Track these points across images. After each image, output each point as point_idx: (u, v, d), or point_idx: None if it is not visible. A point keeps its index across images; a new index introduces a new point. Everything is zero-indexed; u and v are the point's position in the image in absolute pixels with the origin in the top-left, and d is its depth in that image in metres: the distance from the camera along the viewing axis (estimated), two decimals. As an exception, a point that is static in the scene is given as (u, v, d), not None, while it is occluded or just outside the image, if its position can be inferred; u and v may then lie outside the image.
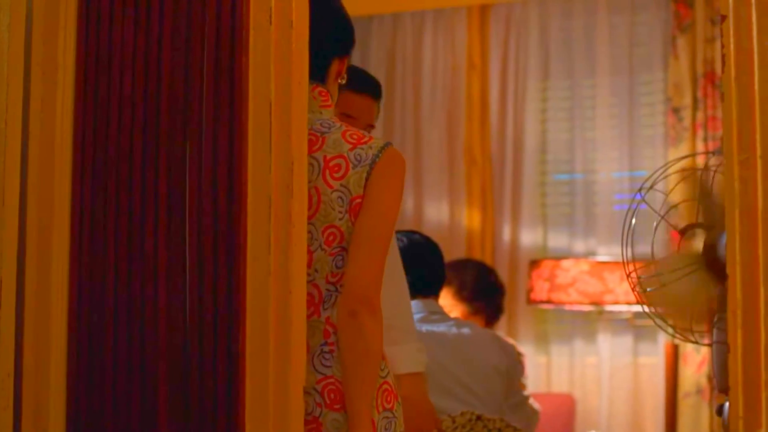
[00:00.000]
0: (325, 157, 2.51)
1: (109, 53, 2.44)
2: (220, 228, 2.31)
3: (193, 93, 2.36)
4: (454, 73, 6.92)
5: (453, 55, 6.93)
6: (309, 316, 2.46)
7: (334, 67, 2.68)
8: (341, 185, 2.49)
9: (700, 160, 3.72)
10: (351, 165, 2.50)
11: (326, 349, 2.48)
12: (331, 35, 2.65)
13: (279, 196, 2.29)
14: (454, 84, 6.91)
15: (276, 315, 2.28)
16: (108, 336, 2.39)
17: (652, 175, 3.09)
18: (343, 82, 2.72)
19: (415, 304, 3.94)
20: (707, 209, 2.99)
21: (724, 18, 2.13)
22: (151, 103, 2.40)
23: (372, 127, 3.21)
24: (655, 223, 3.01)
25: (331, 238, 2.48)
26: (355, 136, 2.55)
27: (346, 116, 3.01)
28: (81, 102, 2.45)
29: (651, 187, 3.06)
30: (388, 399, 2.53)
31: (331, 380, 2.47)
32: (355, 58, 6.75)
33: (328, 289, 2.50)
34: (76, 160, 2.44)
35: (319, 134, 2.53)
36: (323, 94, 2.63)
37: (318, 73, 2.59)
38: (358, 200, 2.48)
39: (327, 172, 2.50)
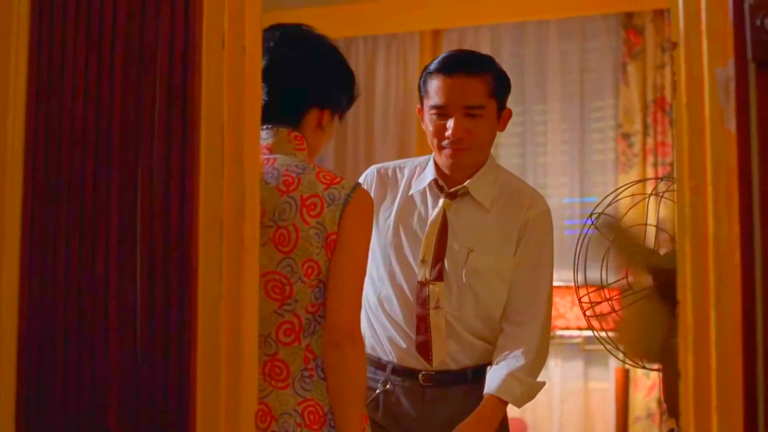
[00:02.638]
0: (301, 196, 2.66)
1: (61, 75, 2.42)
2: (171, 251, 2.30)
3: (146, 116, 2.35)
4: (406, 98, 6.94)
5: (405, 79, 6.95)
6: (290, 344, 2.66)
7: (313, 115, 2.82)
8: (317, 222, 2.65)
9: (650, 186, 3.75)
10: (326, 204, 2.66)
11: (306, 374, 2.65)
12: (310, 83, 2.80)
13: (231, 220, 2.28)
14: (406, 109, 6.93)
15: (228, 339, 2.27)
16: (58, 358, 2.37)
17: (603, 200, 3.11)
18: (326, 133, 2.90)
19: None
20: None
21: (675, 45, 2.15)
22: (102, 126, 2.38)
23: (480, 107, 3.23)
24: (604, 249, 3.02)
25: (309, 271, 2.65)
26: (327, 177, 2.70)
27: (436, 107, 3.24)
28: (32, 124, 2.43)
29: (602, 213, 3.07)
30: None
31: (311, 402, 2.63)
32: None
33: (307, 319, 2.66)
34: (26, 182, 2.42)
35: (294, 175, 2.70)
36: (298, 138, 2.79)
37: (292, 119, 2.78)
38: (333, 236, 2.64)
39: (304, 210, 2.66)
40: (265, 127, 2.77)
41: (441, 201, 3.26)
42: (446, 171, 3.27)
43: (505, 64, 6.84)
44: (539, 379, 3.22)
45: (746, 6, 2.06)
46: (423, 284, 3.20)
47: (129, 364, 2.32)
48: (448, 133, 3.18)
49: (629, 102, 6.45)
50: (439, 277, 3.19)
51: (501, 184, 3.31)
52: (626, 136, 6.45)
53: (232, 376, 2.28)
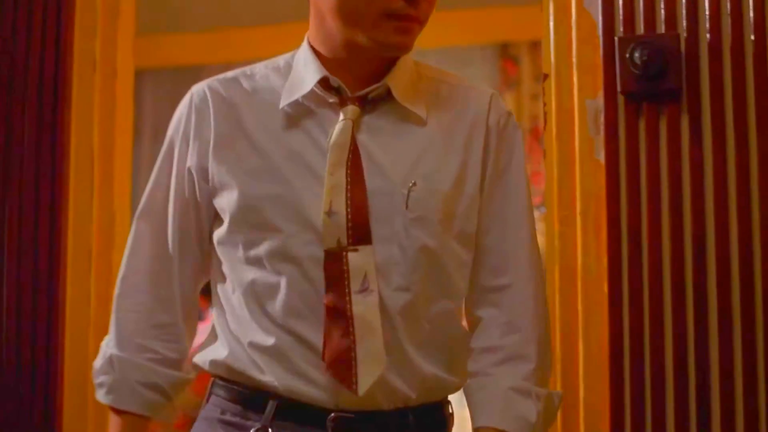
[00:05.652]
0: None
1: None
2: (40, 280, 2.26)
3: (14, 144, 2.31)
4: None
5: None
6: None
7: None
8: None
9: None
10: None
11: None
12: None
13: (101, 248, 2.26)
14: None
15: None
16: None
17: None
18: None
19: None
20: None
21: (546, 76, 2.17)
22: (-30, 153, 2.34)
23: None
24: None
25: None
26: None
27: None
28: None
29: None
30: None
31: None
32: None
33: None
34: None
35: None
36: None
37: None
38: None
39: None
40: None
41: (347, 111, 1.85)
42: (355, 67, 1.85)
43: (384, 91, 6.90)
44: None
45: (616, 40, 2.09)
46: (335, 254, 1.80)
47: (-6, 395, 2.28)
48: None
49: (505, 131, 6.50)
50: (365, 237, 1.83)
51: (428, 82, 1.97)
52: (502, 165, 6.50)
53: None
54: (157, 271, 1.85)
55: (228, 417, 1.78)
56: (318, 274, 1.77)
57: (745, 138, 2.03)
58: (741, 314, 2.01)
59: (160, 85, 6.42)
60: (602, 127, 2.09)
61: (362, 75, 1.85)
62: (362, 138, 1.84)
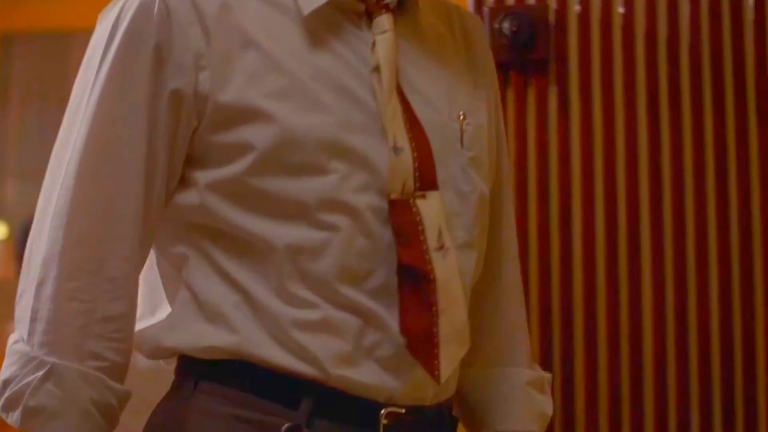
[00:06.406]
0: None
1: None
2: None
3: None
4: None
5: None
6: None
7: None
8: None
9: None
10: None
11: None
12: None
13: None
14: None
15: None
16: None
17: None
18: None
19: None
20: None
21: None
22: None
23: None
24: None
25: None
26: None
27: None
28: None
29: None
30: None
31: None
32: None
33: None
34: None
35: None
36: None
37: None
38: None
39: None
40: None
41: (382, 21, 1.40)
42: None
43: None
44: None
45: (486, 10, 2.09)
46: (402, 202, 1.36)
47: None
48: None
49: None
50: (431, 180, 1.39)
51: None
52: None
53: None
54: (110, 239, 1.32)
55: (243, 412, 1.32)
56: (380, 228, 1.35)
57: (611, 109, 2.06)
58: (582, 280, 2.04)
59: (29, 51, 6.30)
60: (471, 97, 2.10)
61: None
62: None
